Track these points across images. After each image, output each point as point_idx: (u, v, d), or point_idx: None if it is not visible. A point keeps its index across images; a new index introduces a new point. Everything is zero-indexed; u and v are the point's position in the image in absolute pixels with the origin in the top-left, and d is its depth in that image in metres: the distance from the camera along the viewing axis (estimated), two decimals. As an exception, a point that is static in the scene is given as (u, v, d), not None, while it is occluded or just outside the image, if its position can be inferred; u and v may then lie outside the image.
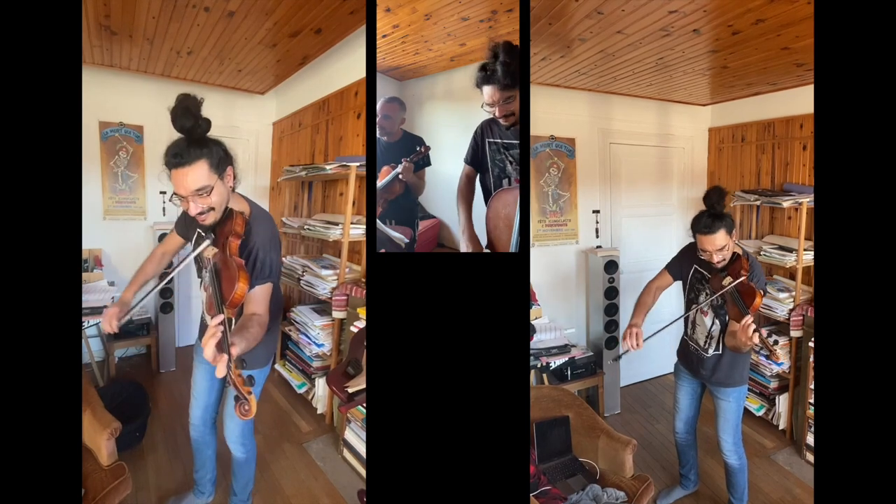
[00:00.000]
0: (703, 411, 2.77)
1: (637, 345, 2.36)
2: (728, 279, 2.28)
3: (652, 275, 2.74)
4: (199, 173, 1.70)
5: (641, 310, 2.59)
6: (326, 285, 3.48)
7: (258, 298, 1.84)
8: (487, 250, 1.55)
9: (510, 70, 1.42)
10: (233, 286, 1.63)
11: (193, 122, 1.69)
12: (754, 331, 2.10)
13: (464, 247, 1.62)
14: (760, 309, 2.30)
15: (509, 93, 1.46)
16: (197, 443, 2.45)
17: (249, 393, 1.48)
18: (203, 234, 1.88)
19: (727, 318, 2.40)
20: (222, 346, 1.45)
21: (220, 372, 1.44)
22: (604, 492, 2.44)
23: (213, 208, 1.78)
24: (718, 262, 2.33)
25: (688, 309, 2.61)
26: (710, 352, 2.51)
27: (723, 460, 2.65)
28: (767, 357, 2.88)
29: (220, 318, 1.48)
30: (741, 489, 2.64)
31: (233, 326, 2.11)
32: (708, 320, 2.51)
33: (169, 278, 2.02)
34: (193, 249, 1.91)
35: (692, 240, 2.45)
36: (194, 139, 1.71)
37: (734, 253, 2.36)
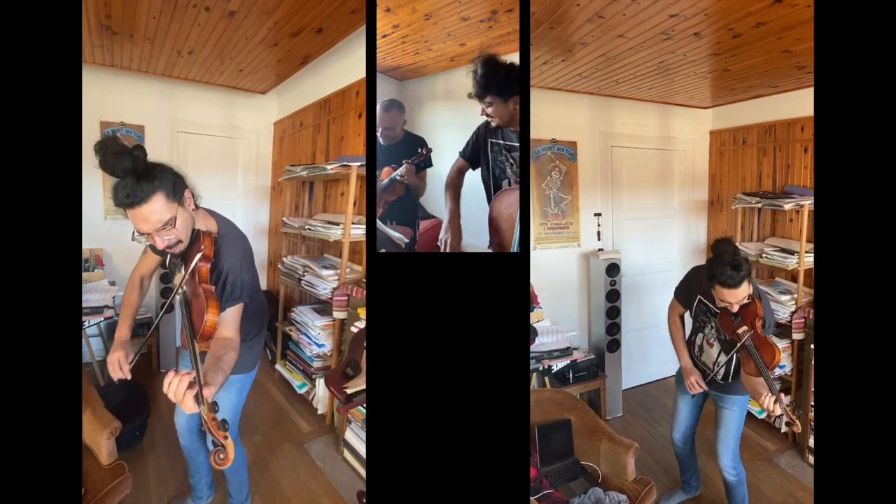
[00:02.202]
0: (704, 416, 2.75)
1: (703, 387, 2.44)
2: (743, 328, 2.19)
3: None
4: (156, 207, 1.59)
5: (680, 346, 2.60)
6: (327, 285, 3.48)
7: (229, 321, 1.76)
8: (490, 249, 1.55)
9: (481, 82, 1.50)
10: (202, 318, 1.56)
11: (130, 159, 1.54)
12: (775, 402, 2.06)
13: (444, 236, 1.62)
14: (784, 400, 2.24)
15: (491, 99, 1.52)
16: (188, 450, 2.41)
17: (226, 438, 1.40)
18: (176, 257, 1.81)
19: (738, 356, 2.35)
20: (196, 393, 1.40)
21: (190, 408, 1.38)
22: (606, 495, 2.44)
23: (180, 240, 1.69)
24: (736, 311, 2.25)
25: (693, 335, 2.60)
26: (718, 378, 2.47)
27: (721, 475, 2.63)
28: (788, 425, 2.67)
29: (192, 374, 1.42)
30: (741, 501, 2.62)
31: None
32: (714, 351, 2.48)
33: (167, 302, 1.91)
34: (173, 277, 1.85)
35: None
36: (139, 174, 1.57)
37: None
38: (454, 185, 1.68)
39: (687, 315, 2.65)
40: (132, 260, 2.26)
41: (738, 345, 2.23)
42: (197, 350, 1.52)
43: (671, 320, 2.67)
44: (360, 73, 3.56)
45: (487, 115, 1.55)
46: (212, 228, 1.86)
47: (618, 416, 4.02)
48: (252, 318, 2.09)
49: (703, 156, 4.86)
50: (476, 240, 1.61)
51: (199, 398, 1.39)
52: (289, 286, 4.25)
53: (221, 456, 1.39)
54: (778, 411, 2.06)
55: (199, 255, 1.67)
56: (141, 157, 1.57)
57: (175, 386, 1.38)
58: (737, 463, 2.55)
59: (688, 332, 2.67)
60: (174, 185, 1.65)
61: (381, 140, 1.68)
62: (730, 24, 2.58)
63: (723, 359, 2.44)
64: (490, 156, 1.59)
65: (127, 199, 1.55)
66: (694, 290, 2.53)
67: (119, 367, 1.77)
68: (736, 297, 2.17)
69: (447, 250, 1.62)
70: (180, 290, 1.67)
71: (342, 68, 3.80)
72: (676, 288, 2.66)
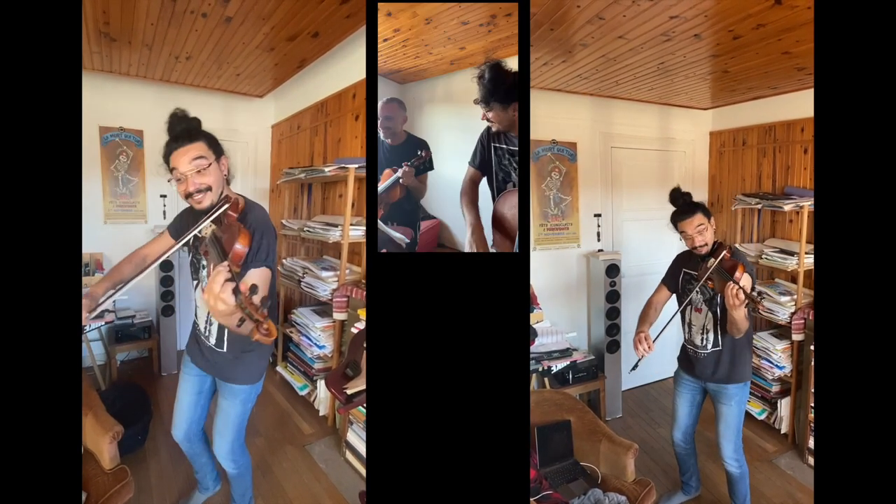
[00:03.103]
0: (702, 414, 2.76)
1: (649, 348, 2.44)
2: (711, 260, 2.36)
3: (654, 278, 2.77)
4: (197, 149, 1.82)
5: (644, 319, 2.65)
6: (327, 287, 3.48)
7: (255, 279, 1.74)
8: (493, 250, 1.55)
9: (487, 87, 1.52)
10: (233, 242, 1.63)
11: (187, 123, 1.86)
12: (738, 289, 2.16)
13: (469, 249, 1.62)
14: (762, 312, 2.32)
15: (490, 104, 1.55)
16: (190, 455, 2.43)
17: (266, 317, 1.43)
18: (199, 234, 1.84)
19: (719, 309, 2.46)
20: (233, 286, 1.42)
21: (229, 299, 1.40)
22: (605, 496, 2.44)
23: (209, 188, 1.83)
24: (700, 246, 2.41)
25: (683, 313, 2.63)
26: (709, 347, 2.52)
27: (724, 467, 2.65)
28: (754, 310, 2.75)
29: (225, 263, 1.48)
30: (743, 496, 2.63)
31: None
32: (702, 316, 2.54)
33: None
34: (193, 244, 1.96)
35: (676, 235, 2.54)
36: (189, 131, 1.85)
37: (716, 241, 2.44)
38: (470, 196, 1.68)
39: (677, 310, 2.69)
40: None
41: (709, 271, 2.34)
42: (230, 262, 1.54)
43: (647, 302, 2.74)
44: (357, 75, 3.57)
45: (488, 120, 1.56)
46: (240, 199, 1.93)
47: (617, 416, 4.02)
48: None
49: (703, 157, 4.86)
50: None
51: (236, 291, 1.41)
52: (289, 288, 4.25)
53: (265, 327, 1.43)
54: (741, 296, 2.16)
55: (226, 206, 1.78)
56: (194, 123, 1.90)
57: (213, 281, 1.41)
58: (739, 455, 2.57)
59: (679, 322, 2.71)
60: (217, 144, 1.91)
61: (381, 133, 1.69)
62: (730, 25, 2.58)
63: (709, 322, 2.51)
64: (494, 160, 1.59)
65: (175, 142, 1.82)
66: (679, 267, 2.67)
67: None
68: (692, 224, 2.42)
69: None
70: (209, 233, 1.73)
71: (339, 71, 3.81)
72: (663, 277, 2.76)
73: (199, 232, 1.83)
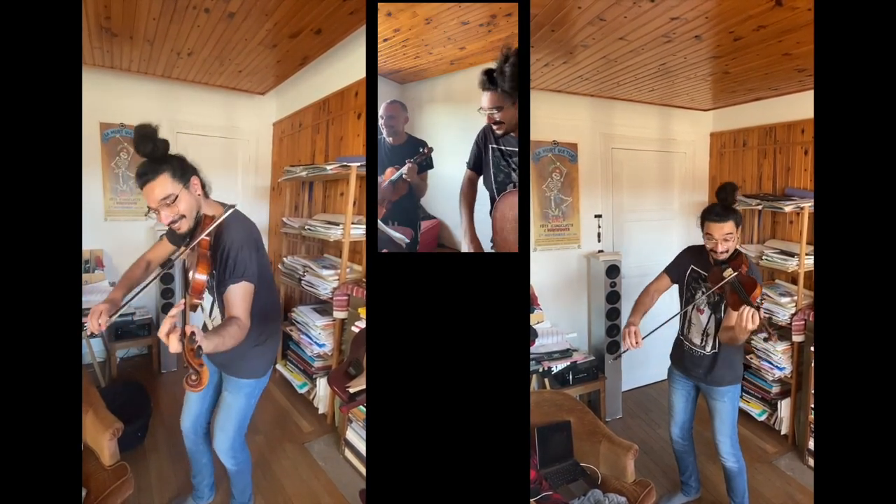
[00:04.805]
0: (700, 415, 2.76)
1: (636, 343, 2.40)
2: (729, 270, 2.32)
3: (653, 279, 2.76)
4: (162, 184, 1.85)
5: (639, 309, 2.64)
6: (327, 285, 3.48)
7: (234, 300, 1.88)
8: (492, 250, 1.55)
9: (509, 75, 1.45)
10: (195, 274, 1.78)
11: (152, 145, 1.84)
12: (752, 315, 2.11)
13: (465, 248, 1.63)
14: (762, 313, 2.31)
15: (500, 102, 1.52)
16: (191, 451, 2.44)
17: (201, 365, 1.51)
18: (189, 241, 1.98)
19: (723, 314, 2.43)
20: (179, 334, 1.51)
21: (174, 347, 1.48)
22: (605, 497, 2.43)
23: (183, 215, 1.90)
24: (721, 253, 2.38)
25: (684, 307, 2.62)
26: (707, 350, 2.52)
27: (721, 463, 2.65)
28: (766, 339, 2.82)
29: (178, 306, 1.59)
30: (741, 493, 2.63)
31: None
32: (704, 318, 2.53)
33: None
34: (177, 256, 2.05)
35: (697, 231, 2.53)
36: (155, 159, 1.86)
37: (735, 249, 2.41)
38: (468, 197, 1.69)
39: (676, 297, 2.70)
40: (132, 261, 2.27)
41: (723, 282, 2.31)
42: (188, 303, 1.65)
43: (645, 289, 2.73)
44: (359, 73, 3.56)
45: (495, 122, 1.55)
46: (216, 214, 2.00)
47: (617, 417, 4.02)
48: (264, 317, 2.12)
49: (703, 158, 4.86)
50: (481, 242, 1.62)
51: (182, 336, 1.50)
52: (289, 286, 4.25)
53: (194, 377, 1.52)
54: (756, 320, 2.11)
55: (201, 233, 1.89)
56: (160, 146, 1.87)
57: (162, 327, 1.51)
58: (736, 450, 2.58)
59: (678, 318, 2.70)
60: (182, 169, 1.91)
61: (383, 131, 1.69)
62: (730, 27, 2.58)
63: (711, 326, 2.50)
64: (492, 161, 1.60)
65: (141, 177, 1.84)
66: (686, 262, 2.64)
67: (98, 317, 1.88)
68: (722, 230, 2.39)
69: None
70: (181, 259, 1.84)
71: (341, 69, 3.80)
72: (667, 266, 2.74)
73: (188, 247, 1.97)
